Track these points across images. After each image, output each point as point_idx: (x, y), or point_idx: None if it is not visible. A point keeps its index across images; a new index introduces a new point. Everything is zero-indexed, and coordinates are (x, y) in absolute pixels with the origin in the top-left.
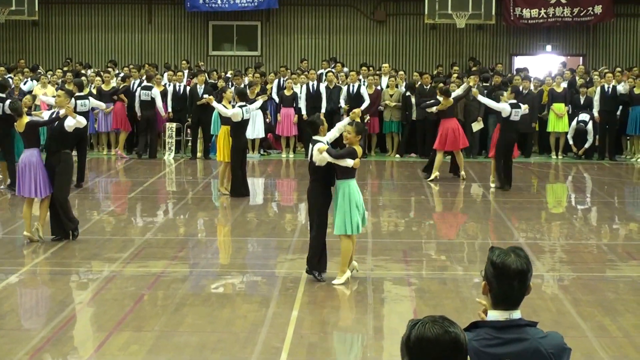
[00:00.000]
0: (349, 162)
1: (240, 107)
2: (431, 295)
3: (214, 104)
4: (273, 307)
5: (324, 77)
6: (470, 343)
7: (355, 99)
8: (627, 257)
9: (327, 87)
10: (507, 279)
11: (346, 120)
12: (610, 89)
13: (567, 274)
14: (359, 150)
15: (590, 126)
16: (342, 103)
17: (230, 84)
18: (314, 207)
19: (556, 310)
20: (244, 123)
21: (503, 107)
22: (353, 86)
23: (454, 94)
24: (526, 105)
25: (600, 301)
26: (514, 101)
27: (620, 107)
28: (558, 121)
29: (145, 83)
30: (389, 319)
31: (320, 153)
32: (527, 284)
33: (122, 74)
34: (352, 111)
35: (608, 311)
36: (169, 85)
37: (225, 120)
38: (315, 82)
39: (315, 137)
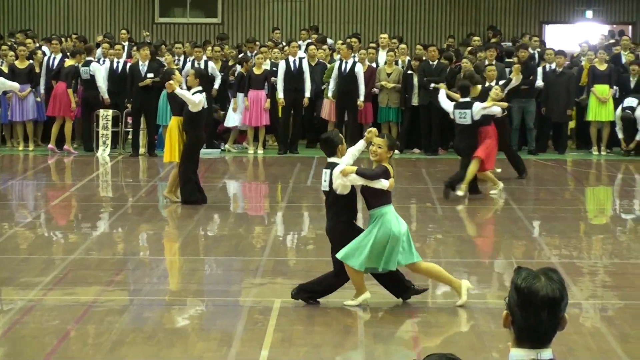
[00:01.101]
0: (384, 184)
1: (199, 92)
2: (439, 329)
3: (178, 90)
4: (237, 346)
5: (301, 51)
6: None
7: (347, 81)
8: None
9: (308, 64)
10: (535, 309)
11: (361, 143)
12: None
13: (612, 301)
14: (390, 168)
15: (639, 112)
16: (332, 85)
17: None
18: (336, 249)
19: (597, 348)
20: (203, 113)
21: (447, 107)
22: (345, 64)
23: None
24: (486, 106)
25: None
26: (467, 99)
27: None
28: (601, 108)
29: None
30: None
31: (344, 176)
32: (560, 315)
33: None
34: (368, 130)
35: None
36: (103, 61)
37: (177, 109)
38: (297, 58)
39: (331, 160)
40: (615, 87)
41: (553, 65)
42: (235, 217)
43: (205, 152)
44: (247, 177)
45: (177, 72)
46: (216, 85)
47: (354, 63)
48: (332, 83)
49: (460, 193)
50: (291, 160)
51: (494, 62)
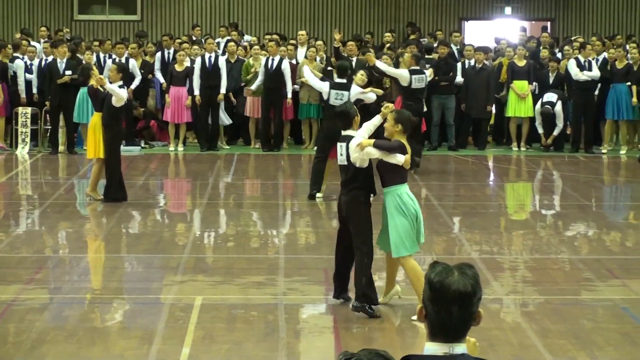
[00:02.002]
0: (399, 159)
1: (121, 87)
2: (360, 325)
3: (108, 85)
4: (158, 344)
5: (222, 47)
6: None
7: (273, 78)
8: (608, 275)
9: (227, 61)
10: (446, 303)
11: (377, 118)
12: (587, 63)
13: (532, 297)
14: (407, 145)
15: (559, 108)
16: (258, 81)
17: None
18: (360, 225)
19: (518, 343)
20: (123, 108)
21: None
22: (272, 60)
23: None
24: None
25: (573, 331)
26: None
27: (598, 87)
28: (520, 103)
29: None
30: (306, 356)
31: (361, 149)
32: (472, 310)
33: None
34: (385, 106)
35: (584, 344)
36: (23, 59)
37: (98, 105)
38: (213, 55)
39: (347, 133)
40: (534, 83)
41: (472, 62)
42: (156, 215)
43: (125, 150)
44: (168, 174)
45: (95, 68)
46: (134, 84)
47: (281, 60)
48: (259, 79)
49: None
50: (212, 157)
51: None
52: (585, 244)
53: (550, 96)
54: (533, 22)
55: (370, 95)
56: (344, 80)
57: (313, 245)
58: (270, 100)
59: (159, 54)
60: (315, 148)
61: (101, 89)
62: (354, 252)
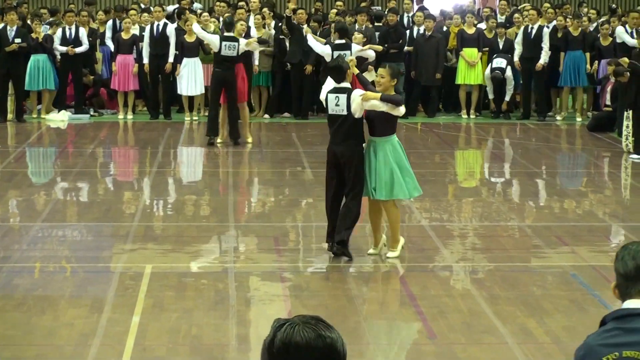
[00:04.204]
0: (401, 110)
1: None
2: (310, 293)
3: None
4: (108, 312)
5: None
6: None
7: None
8: (557, 242)
9: (177, 29)
10: None
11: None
12: (534, 31)
13: (481, 264)
14: None
15: (509, 73)
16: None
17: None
18: (361, 171)
19: (468, 310)
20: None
21: (323, 49)
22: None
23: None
24: (375, 47)
25: (523, 298)
26: (342, 41)
27: (547, 54)
28: (470, 71)
29: None
30: (257, 324)
31: (366, 101)
32: None
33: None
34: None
35: (533, 311)
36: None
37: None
38: (162, 23)
39: (342, 85)
40: (482, 50)
41: (422, 29)
42: (105, 183)
43: (74, 117)
44: (117, 143)
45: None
46: (79, 49)
47: (249, 28)
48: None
49: None
50: (161, 125)
51: (364, 26)
52: (534, 211)
53: (500, 62)
54: None
55: (370, 52)
56: (344, 41)
57: (263, 213)
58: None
59: (110, 22)
60: None
61: None
62: (347, 200)
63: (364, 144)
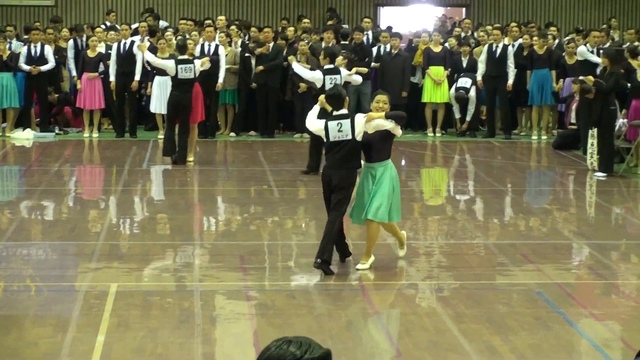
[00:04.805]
0: (400, 132)
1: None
2: (276, 312)
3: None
4: (72, 332)
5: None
6: None
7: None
8: (523, 260)
9: (150, 48)
10: None
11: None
12: (499, 49)
13: (447, 282)
14: None
15: (473, 93)
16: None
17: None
18: (350, 194)
19: (434, 328)
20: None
21: (313, 75)
22: (208, 46)
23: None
24: (361, 69)
25: (488, 316)
26: (330, 66)
27: (514, 72)
28: (436, 89)
29: None
30: (222, 343)
31: (370, 122)
32: None
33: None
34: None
35: (498, 328)
36: None
37: None
38: (129, 41)
39: (340, 112)
40: (449, 69)
41: (388, 47)
42: (70, 202)
43: (39, 136)
44: (83, 161)
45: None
46: (45, 67)
47: (216, 46)
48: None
49: None
50: (127, 143)
51: (331, 44)
52: (500, 229)
53: (465, 81)
54: (448, 8)
55: (356, 78)
56: (332, 65)
57: (229, 231)
58: (205, 86)
59: (71, 42)
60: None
61: None
62: (332, 217)
63: (358, 170)
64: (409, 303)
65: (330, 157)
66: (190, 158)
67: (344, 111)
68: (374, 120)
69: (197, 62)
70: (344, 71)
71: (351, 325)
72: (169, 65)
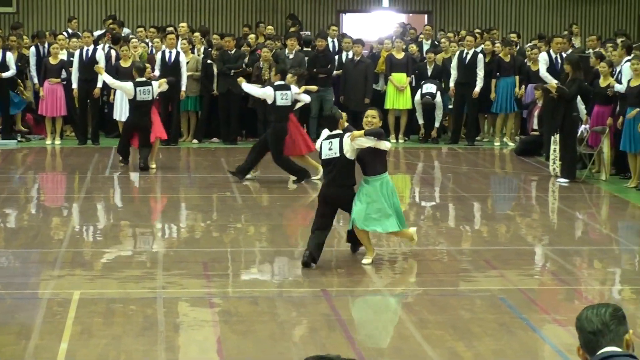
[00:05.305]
0: (387, 145)
1: None
2: (239, 318)
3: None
4: (35, 339)
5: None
6: None
7: (173, 71)
8: (486, 266)
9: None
10: None
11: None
12: (469, 56)
13: (410, 288)
14: None
15: (439, 99)
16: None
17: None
18: (342, 209)
19: (397, 334)
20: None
21: (264, 91)
22: (170, 54)
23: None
24: (310, 87)
25: (451, 322)
26: (281, 82)
27: (482, 80)
28: (399, 96)
29: None
30: (186, 350)
31: (352, 140)
32: None
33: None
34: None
35: (462, 334)
36: None
37: None
38: (91, 48)
39: (334, 133)
40: (412, 76)
41: (350, 54)
42: (32, 209)
43: (1, 143)
44: (45, 168)
45: None
46: (6, 74)
47: (178, 53)
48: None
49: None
50: (90, 150)
51: (294, 51)
52: (463, 235)
53: (430, 87)
54: (410, 14)
55: (304, 97)
56: (283, 82)
57: (192, 238)
58: (168, 94)
59: (33, 49)
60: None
61: None
62: (327, 224)
63: (354, 186)
64: (372, 309)
65: (326, 176)
66: (153, 165)
67: (338, 131)
68: (356, 138)
69: (155, 84)
70: (294, 88)
71: (314, 332)
72: (127, 87)
